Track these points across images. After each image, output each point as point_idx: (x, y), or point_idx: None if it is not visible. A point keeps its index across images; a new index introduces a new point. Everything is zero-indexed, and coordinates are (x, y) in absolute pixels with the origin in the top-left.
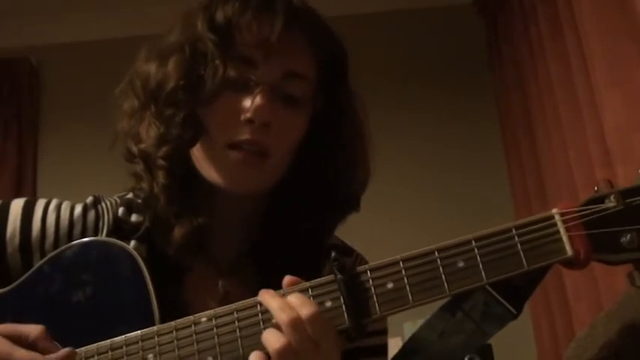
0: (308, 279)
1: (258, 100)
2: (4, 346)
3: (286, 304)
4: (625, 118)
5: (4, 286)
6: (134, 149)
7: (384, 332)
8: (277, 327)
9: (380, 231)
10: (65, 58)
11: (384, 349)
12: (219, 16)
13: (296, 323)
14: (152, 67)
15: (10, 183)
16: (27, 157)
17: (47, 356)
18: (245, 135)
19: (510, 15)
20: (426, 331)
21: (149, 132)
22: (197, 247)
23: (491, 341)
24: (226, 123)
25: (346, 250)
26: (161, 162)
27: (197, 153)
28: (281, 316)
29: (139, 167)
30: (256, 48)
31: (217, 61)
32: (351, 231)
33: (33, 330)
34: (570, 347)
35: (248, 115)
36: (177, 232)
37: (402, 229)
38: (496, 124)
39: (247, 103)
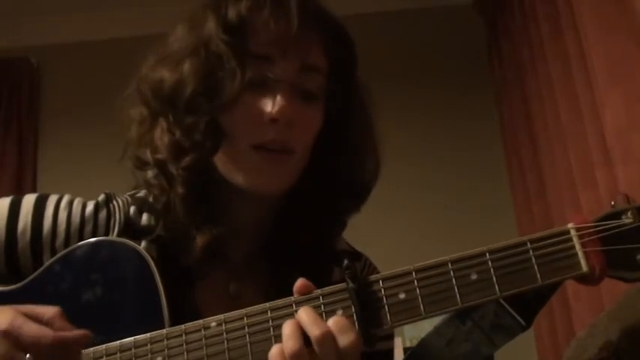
0: (319, 278)
1: (279, 99)
2: (17, 320)
3: (328, 331)
4: (625, 118)
5: (14, 281)
6: (148, 158)
7: (390, 337)
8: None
9: (379, 231)
10: (65, 58)
11: (390, 353)
12: (232, 15)
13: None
14: (164, 73)
15: (10, 183)
16: (27, 157)
17: (59, 333)
18: (270, 135)
19: (510, 15)
20: (434, 337)
21: (163, 140)
22: (214, 255)
23: None
24: (249, 125)
25: (355, 255)
26: (181, 172)
27: (220, 159)
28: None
29: (150, 175)
30: (272, 45)
31: (234, 63)
32: (348, 231)
33: (48, 310)
34: (570, 347)
35: (272, 115)
36: (199, 243)
37: (402, 229)
38: (496, 124)
39: (268, 102)
